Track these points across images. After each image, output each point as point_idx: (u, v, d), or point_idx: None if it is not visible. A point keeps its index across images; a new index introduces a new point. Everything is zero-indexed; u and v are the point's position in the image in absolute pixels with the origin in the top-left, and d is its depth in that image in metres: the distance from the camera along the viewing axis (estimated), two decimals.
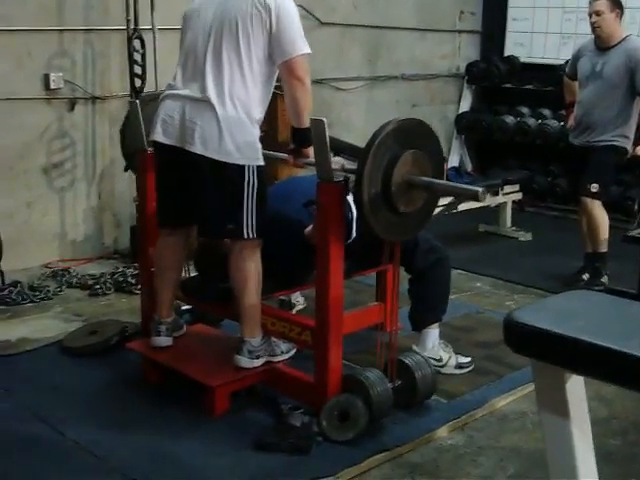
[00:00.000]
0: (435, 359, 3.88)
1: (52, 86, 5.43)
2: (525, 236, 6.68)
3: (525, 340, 1.71)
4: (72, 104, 5.58)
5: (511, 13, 8.17)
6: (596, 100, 5.29)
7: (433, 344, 3.94)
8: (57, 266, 5.46)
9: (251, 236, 3.44)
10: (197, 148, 3.37)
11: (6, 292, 4.86)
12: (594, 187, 5.23)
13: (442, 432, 3.41)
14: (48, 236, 5.61)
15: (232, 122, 3.36)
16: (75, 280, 5.19)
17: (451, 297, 4.65)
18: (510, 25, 8.19)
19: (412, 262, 3.87)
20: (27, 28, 5.29)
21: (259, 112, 3.48)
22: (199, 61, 3.45)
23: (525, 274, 5.64)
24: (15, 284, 4.96)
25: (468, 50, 8.45)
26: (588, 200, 5.27)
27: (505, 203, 6.77)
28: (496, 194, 6.61)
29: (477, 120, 8.16)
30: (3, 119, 5.26)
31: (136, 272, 5.08)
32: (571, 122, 5.57)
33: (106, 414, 3.51)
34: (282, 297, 4.39)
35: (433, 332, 3.96)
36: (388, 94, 7.69)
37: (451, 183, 3.39)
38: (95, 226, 5.84)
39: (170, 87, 3.60)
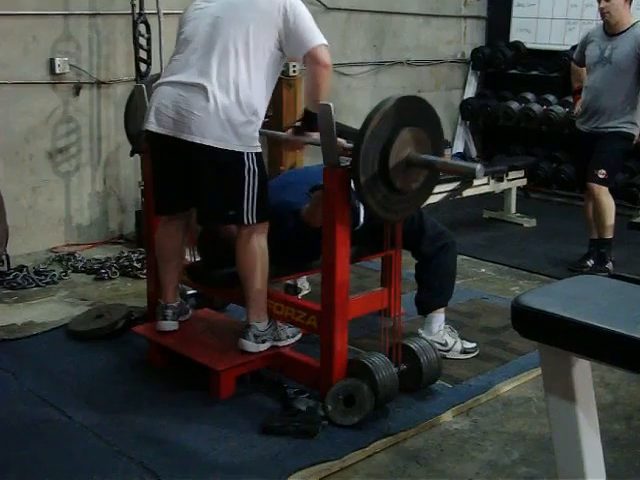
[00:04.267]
0: (440, 343, 3.89)
1: (57, 71, 5.42)
2: (530, 222, 6.68)
3: (532, 324, 1.72)
4: (77, 89, 5.57)
5: None
6: (604, 86, 5.28)
7: (439, 328, 3.95)
8: (62, 250, 5.47)
9: (252, 222, 3.45)
10: (195, 137, 3.36)
11: (12, 276, 4.87)
12: (601, 173, 5.23)
13: (447, 417, 3.43)
14: (53, 221, 5.62)
15: (232, 110, 3.35)
16: (80, 264, 5.21)
17: (456, 283, 4.65)
18: (515, 11, 8.17)
19: (419, 247, 3.88)
20: (32, 12, 5.28)
21: (262, 105, 3.46)
22: (202, 48, 3.43)
23: (530, 260, 5.65)
24: (21, 268, 4.98)
25: (473, 36, 8.43)
26: (595, 186, 5.26)
27: (510, 189, 6.75)
28: (501, 180, 6.60)
29: (482, 106, 8.14)
30: (9, 104, 5.27)
31: (141, 257, 5.11)
32: (578, 108, 5.56)
33: (112, 398, 3.53)
34: (288, 282, 4.39)
35: (439, 316, 3.97)
36: (393, 80, 7.68)
37: (449, 160, 3.40)
38: (100, 211, 5.85)
39: (163, 75, 3.60)
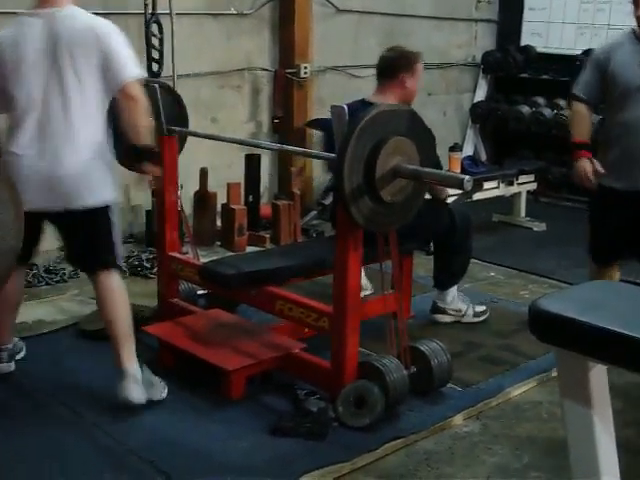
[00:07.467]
0: (455, 310, 4.29)
1: None
2: (539, 226, 6.68)
3: (551, 328, 1.72)
4: None
5: (528, 2, 8.13)
6: None
7: (453, 298, 4.31)
8: None
9: (120, 264, 3.61)
10: (68, 204, 3.33)
11: None
12: None
13: (457, 420, 3.43)
14: None
15: (90, 167, 3.32)
16: None
17: (465, 286, 4.67)
18: (527, 15, 8.16)
19: (452, 240, 4.22)
20: None
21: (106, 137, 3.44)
22: (42, 111, 3.31)
23: (539, 264, 5.64)
24: (31, 267, 4.97)
25: (484, 39, 8.42)
26: None
27: (520, 193, 6.77)
28: (511, 184, 6.61)
29: (492, 109, 8.13)
30: None
31: (151, 256, 5.11)
32: (589, 170, 3.86)
33: None
34: None
35: (453, 288, 4.34)
36: None
37: (436, 171, 3.35)
38: None
39: (13, 142, 3.37)
